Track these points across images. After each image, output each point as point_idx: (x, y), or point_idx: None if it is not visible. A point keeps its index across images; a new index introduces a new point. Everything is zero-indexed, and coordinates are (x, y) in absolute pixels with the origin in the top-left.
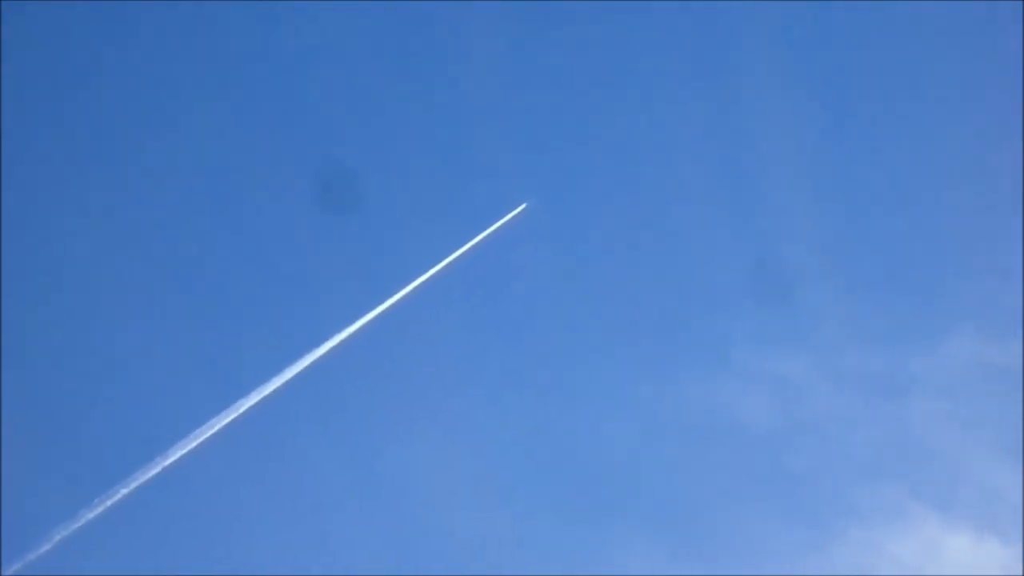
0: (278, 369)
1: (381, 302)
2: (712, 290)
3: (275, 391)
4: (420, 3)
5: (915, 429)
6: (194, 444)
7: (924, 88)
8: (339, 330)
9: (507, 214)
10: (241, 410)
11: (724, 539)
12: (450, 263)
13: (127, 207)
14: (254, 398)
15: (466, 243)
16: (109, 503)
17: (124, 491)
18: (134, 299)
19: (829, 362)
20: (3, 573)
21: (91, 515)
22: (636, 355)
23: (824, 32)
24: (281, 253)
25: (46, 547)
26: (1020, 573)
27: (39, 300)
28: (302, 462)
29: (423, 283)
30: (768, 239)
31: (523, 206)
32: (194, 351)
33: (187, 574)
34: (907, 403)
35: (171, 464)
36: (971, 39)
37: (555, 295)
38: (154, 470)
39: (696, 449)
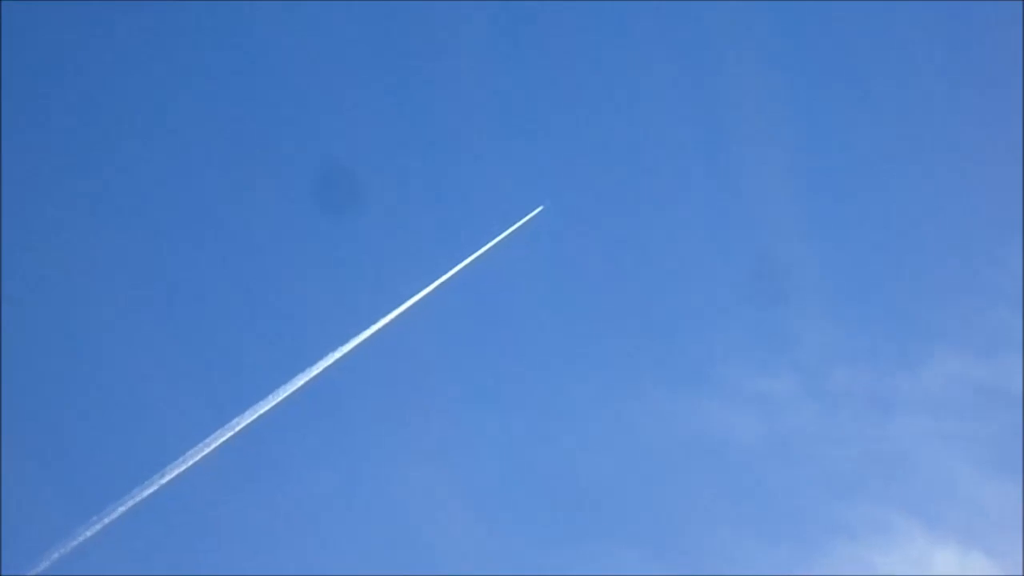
0: (296, 370)
1: (392, 308)
2: (699, 306)
3: (288, 395)
4: (441, 3)
5: (900, 445)
6: (192, 459)
7: (921, 94)
8: (352, 336)
9: (524, 216)
10: (243, 423)
11: (710, 556)
12: (466, 266)
13: (126, 209)
14: (259, 408)
15: (483, 246)
16: (112, 515)
17: (129, 502)
18: (131, 307)
19: (814, 379)
20: (3, 573)
21: (91, 529)
22: (622, 370)
23: (823, 33)
24: (293, 258)
25: (45, 563)
26: (1020, 573)
27: (36, 306)
28: (298, 476)
29: (437, 288)
30: (755, 255)
31: (540, 208)
32: (196, 362)
33: None
34: (892, 420)
35: (167, 479)
36: (971, 39)
37: (555, 306)
38: (151, 484)
39: (682, 466)
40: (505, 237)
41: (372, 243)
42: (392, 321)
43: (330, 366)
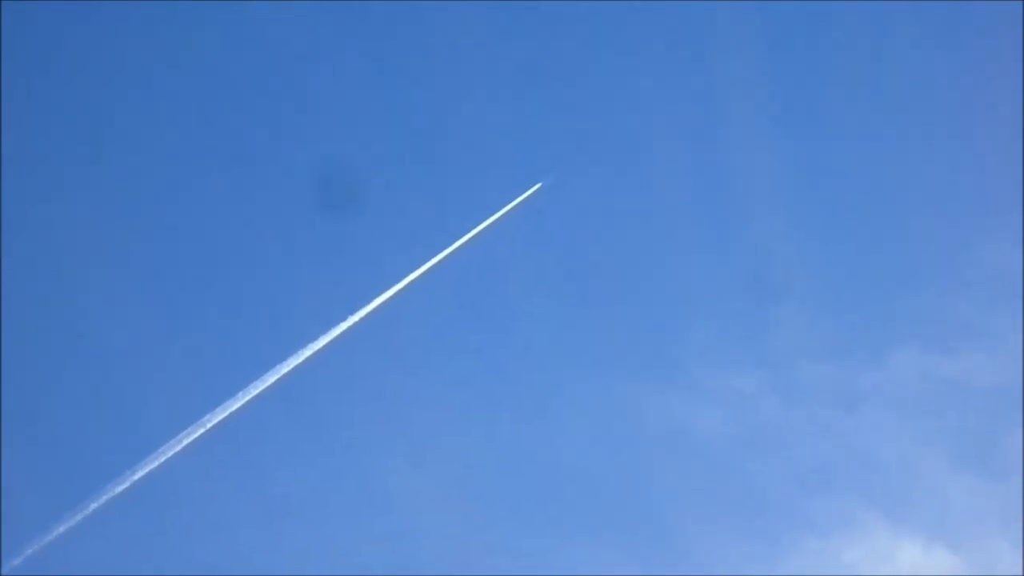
0: (281, 359)
1: (386, 290)
2: (672, 301)
3: (271, 386)
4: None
5: (865, 440)
6: (179, 446)
7: (917, 93)
8: (342, 321)
9: (522, 194)
10: (226, 414)
11: (681, 549)
12: (463, 244)
13: (123, 207)
14: (241, 400)
15: (481, 222)
16: (99, 503)
17: (116, 490)
18: (126, 299)
19: (781, 375)
20: (3, 573)
21: (82, 516)
22: (597, 363)
23: (822, 32)
24: (280, 243)
25: (36, 547)
26: (1020, 573)
27: (31, 299)
28: (282, 468)
29: (433, 267)
30: (731, 253)
31: (538, 185)
32: (188, 350)
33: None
34: (857, 415)
35: (154, 468)
36: (971, 39)
37: (539, 293)
38: (130, 477)
39: (650, 459)
40: (503, 214)
41: (366, 222)
42: (385, 303)
43: (315, 354)
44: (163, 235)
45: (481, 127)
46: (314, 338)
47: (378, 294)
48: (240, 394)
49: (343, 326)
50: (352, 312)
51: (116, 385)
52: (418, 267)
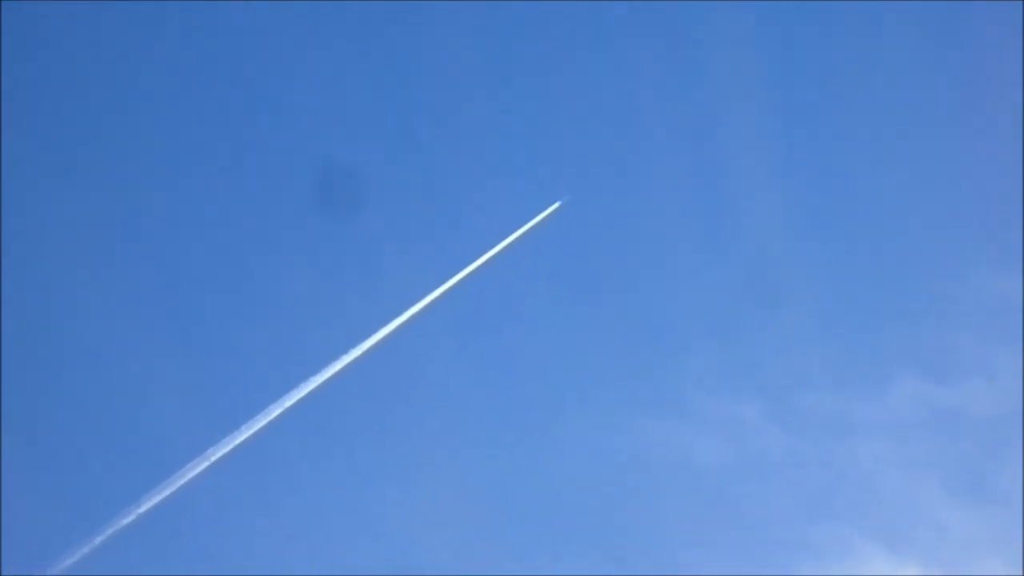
0: (297, 380)
1: (401, 312)
2: (673, 331)
3: (288, 408)
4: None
5: (863, 469)
6: (183, 479)
7: (916, 95)
8: (355, 345)
9: (541, 212)
10: (245, 432)
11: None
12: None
13: (123, 211)
14: (259, 419)
15: (498, 243)
16: (103, 537)
17: (120, 524)
18: (125, 312)
19: (780, 404)
20: (3, 573)
21: (86, 549)
22: (599, 392)
23: (821, 33)
24: (292, 263)
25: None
26: (1020, 573)
27: (31, 314)
28: (291, 491)
29: (449, 289)
30: (728, 281)
31: (557, 204)
32: (190, 374)
33: None
34: (855, 444)
35: (157, 502)
36: (971, 39)
37: (548, 317)
38: (142, 507)
39: (650, 489)
40: (521, 234)
41: (381, 242)
42: (400, 327)
43: (330, 378)
44: (160, 240)
45: (481, 135)
46: (321, 367)
47: (407, 306)
48: (244, 425)
49: (349, 357)
50: (380, 324)
51: (104, 403)
52: (425, 294)
